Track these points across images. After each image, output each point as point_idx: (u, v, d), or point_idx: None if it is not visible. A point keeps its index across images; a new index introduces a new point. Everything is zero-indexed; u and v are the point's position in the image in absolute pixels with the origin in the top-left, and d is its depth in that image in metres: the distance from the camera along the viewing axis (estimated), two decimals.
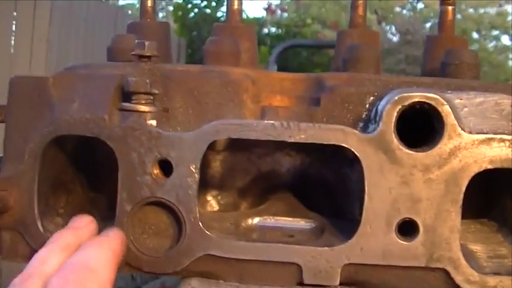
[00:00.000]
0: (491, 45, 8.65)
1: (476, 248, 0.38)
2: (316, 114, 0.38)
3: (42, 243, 0.36)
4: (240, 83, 0.38)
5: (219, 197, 0.45)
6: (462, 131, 0.35)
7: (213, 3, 4.81)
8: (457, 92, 0.37)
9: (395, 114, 0.35)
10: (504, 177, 0.39)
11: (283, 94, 0.40)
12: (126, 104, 0.37)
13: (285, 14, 7.59)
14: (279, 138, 0.35)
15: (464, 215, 0.42)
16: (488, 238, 0.39)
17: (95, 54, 3.06)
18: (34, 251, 0.37)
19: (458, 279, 0.35)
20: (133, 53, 0.39)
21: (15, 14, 2.56)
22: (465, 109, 0.36)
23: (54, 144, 0.38)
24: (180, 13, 4.88)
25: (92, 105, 0.37)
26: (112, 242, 0.35)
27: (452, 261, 0.35)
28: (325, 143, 0.35)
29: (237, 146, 0.43)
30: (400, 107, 0.35)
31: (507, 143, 0.35)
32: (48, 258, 0.34)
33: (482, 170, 0.35)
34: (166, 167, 0.37)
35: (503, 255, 0.38)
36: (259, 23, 5.62)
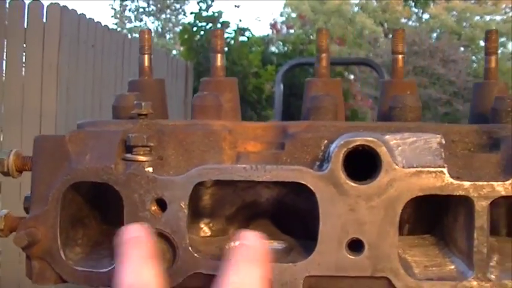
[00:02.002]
0: (498, 52, 8.70)
1: (416, 259, 0.46)
2: (281, 157, 0.47)
3: (65, 269, 0.45)
4: (219, 133, 0.48)
5: (211, 224, 0.54)
6: (397, 166, 0.43)
7: (219, 25, 4.96)
8: (394, 133, 0.45)
9: (341, 155, 0.43)
10: (444, 200, 0.47)
11: (256, 140, 0.49)
12: (128, 155, 0.46)
13: (291, 31, 7.73)
14: (249, 179, 0.44)
15: (412, 232, 0.50)
16: (428, 250, 0.47)
17: (104, 80, 3.20)
18: (58, 275, 0.46)
19: (398, 285, 0.43)
20: (133, 112, 0.49)
21: (24, 45, 2.69)
22: (399, 148, 0.45)
23: (72, 189, 0.47)
24: (186, 36, 5.03)
25: (101, 157, 0.47)
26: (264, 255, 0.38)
27: (392, 271, 0.43)
28: (286, 180, 0.44)
29: (223, 181, 0.52)
30: (345, 149, 0.43)
31: (433, 174, 0.43)
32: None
33: (414, 196, 0.43)
34: (162, 204, 0.46)
35: (438, 264, 0.46)
36: (264, 41, 5.76)
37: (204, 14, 4.88)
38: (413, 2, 6.15)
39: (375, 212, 0.43)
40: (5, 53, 2.64)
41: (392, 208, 0.43)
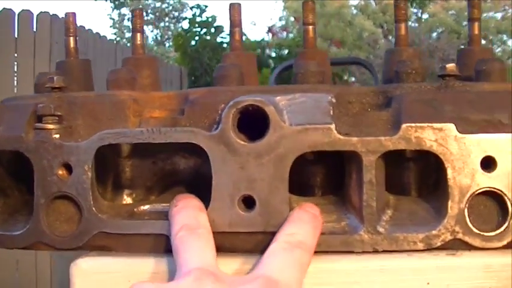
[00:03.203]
0: (498, 50, 8.67)
1: None
2: (180, 122, 0.49)
3: None
4: (124, 102, 0.50)
5: (134, 195, 0.56)
6: (284, 124, 0.45)
7: (212, 30, 5.01)
8: (286, 94, 0.47)
9: (231, 115, 0.45)
10: (347, 162, 0.49)
11: (160, 108, 0.51)
12: (37, 124, 0.49)
13: (291, 35, 7.77)
14: (146, 141, 0.47)
15: (324, 194, 0.52)
16: (326, 208, 0.49)
17: (96, 87, 3.24)
18: None
19: None
20: (46, 85, 0.52)
21: (16, 55, 2.73)
22: (290, 107, 0.47)
23: None
24: (180, 42, 5.09)
25: (14, 127, 0.50)
26: (321, 222, 0.46)
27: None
28: (179, 141, 0.46)
29: (143, 153, 0.55)
30: (235, 109, 0.45)
31: (321, 131, 0.45)
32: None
33: (302, 153, 0.45)
34: (68, 168, 0.48)
35: (333, 220, 0.47)
36: (260, 45, 5.80)
37: (198, 19, 4.94)
38: (409, 2, 6.17)
39: (264, 169, 0.45)
40: None
41: (281, 165, 0.45)
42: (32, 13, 2.79)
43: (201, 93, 0.50)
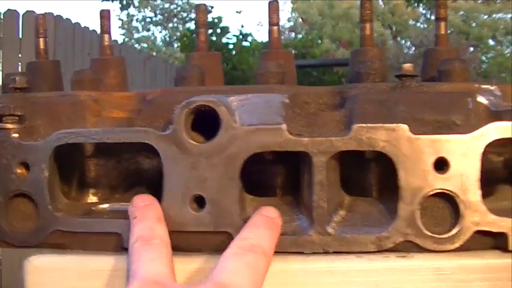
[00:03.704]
0: (507, 50, 8.57)
1: None
2: (137, 122, 0.49)
3: None
4: (84, 103, 0.51)
5: (99, 193, 0.57)
6: (236, 125, 0.45)
7: (218, 30, 5.02)
8: (238, 95, 0.48)
9: (183, 116, 0.46)
10: (301, 163, 0.49)
11: (119, 109, 0.52)
12: None
13: (299, 36, 7.76)
14: (100, 141, 0.47)
15: (284, 195, 0.52)
16: (280, 209, 0.49)
17: None
18: None
19: None
20: (10, 86, 0.52)
21: (20, 55, 2.77)
22: (242, 107, 0.47)
23: None
24: (186, 42, 5.12)
25: None
26: (278, 225, 0.45)
27: (233, 226, 0.45)
28: (133, 141, 0.46)
29: (107, 152, 0.55)
30: (186, 110, 0.46)
31: (272, 131, 0.45)
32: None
33: (253, 153, 0.45)
34: (26, 167, 0.49)
35: (286, 220, 0.47)
36: (266, 46, 5.78)
37: None
38: (415, 2, 6.12)
39: (215, 169, 0.45)
40: (1, 63, 2.73)
41: (232, 165, 0.45)
42: (36, 14, 2.82)
43: (157, 93, 0.50)
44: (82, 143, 0.51)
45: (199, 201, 0.46)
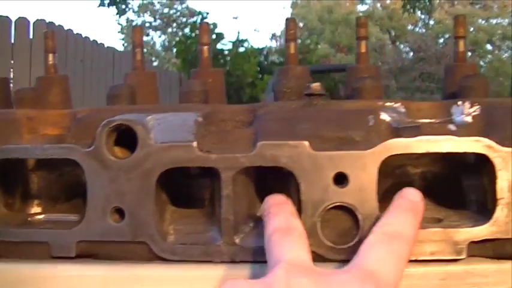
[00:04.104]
0: (505, 55, 8.58)
1: (180, 227, 0.52)
2: (67, 139, 0.53)
3: None
4: (19, 121, 0.55)
5: (42, 205, 0.61)
6: (151, 142, 0.49)
7: (213, 36, 5.08)
8: (157, 114, 0.52)
9: (104, 133, 0.50)
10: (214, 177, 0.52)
11: (54, 126, 0.56)
12: None
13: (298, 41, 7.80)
14: (30, 157, 0.52)
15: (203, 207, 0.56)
16: (195, 221, 0.52)
17: (93, 95, 3.32)
18: None
19: (155, 249, 0.49)
20: None
21: (12, 61, 2.81)
22: (158, 126, 0.51)
23: None
24: (182, 48, 5.17)
25: None
26: (421, 210, 0.45)
27: (149, 236, 0.49)
28: (59, 157, 0.51)
29: (49, 166, 0.59)
30: (107, 128, 0.50)
31: (183, 148, 0.49)
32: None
33: (167, 168, 0.49)
34: None
35: (198, 231, 0.51)
36: (263, 52, 5.87)
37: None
38: (411, 8, 6.15)
39: (132, 183, 0.49)
40: None
41: (148, 179, 0.49)
42: (29, 21, 2.88)
43: (86, 112, 0.55)
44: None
45: (120, 213, 0.50)
